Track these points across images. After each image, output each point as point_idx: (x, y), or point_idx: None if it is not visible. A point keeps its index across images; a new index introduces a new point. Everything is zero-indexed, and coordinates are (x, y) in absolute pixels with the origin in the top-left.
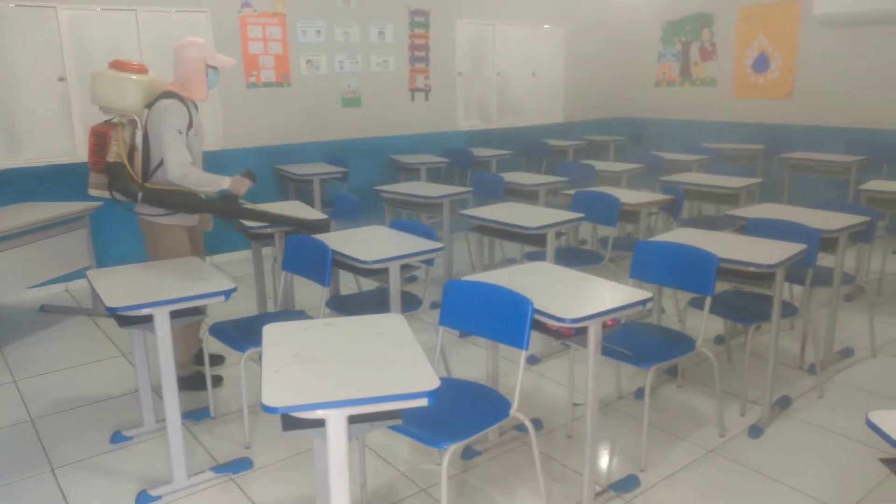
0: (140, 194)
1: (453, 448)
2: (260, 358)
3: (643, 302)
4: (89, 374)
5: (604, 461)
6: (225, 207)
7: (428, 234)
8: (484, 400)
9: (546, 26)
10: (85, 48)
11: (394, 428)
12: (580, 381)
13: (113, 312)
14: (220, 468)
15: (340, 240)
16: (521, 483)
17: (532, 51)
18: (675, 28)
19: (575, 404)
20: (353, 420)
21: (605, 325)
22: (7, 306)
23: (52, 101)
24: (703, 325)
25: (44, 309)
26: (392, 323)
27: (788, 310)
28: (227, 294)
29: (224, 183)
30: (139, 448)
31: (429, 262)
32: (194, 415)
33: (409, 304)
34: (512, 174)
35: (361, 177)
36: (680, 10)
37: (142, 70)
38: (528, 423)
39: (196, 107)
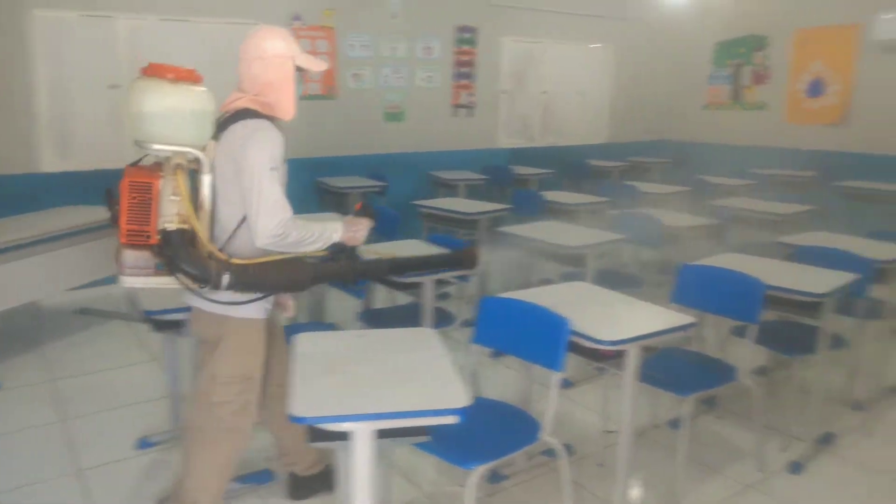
0: (226, 277)
1: (480, 470)
2: None
3: (686, 327)
4: (120, 377)
5: (636, 492)
6: (347, 268)
7: None
8: (514, 422)
9: (596, 45)
10: (140, 57)
11: (419, 445)
12: (614, 408)
13: (148, 316)
14: (244, 479)
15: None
16: None
17: (580, 70)
18: (727, 50)
19: (607, 431)
20: (381, 435)
21: (645, 350)
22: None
23: (101, 108)
24: (747, 356)
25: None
26: (424, 337)
27: (837, 342)
28: None
29: (335, 232)
30: (163, 455)
31: (464, 279)
32: None
33: (442, 320)
34: (553, 193)
35: (400, 191)
36: (733, 32)
37: (197, 79)
38: (558, 448)
39: None
